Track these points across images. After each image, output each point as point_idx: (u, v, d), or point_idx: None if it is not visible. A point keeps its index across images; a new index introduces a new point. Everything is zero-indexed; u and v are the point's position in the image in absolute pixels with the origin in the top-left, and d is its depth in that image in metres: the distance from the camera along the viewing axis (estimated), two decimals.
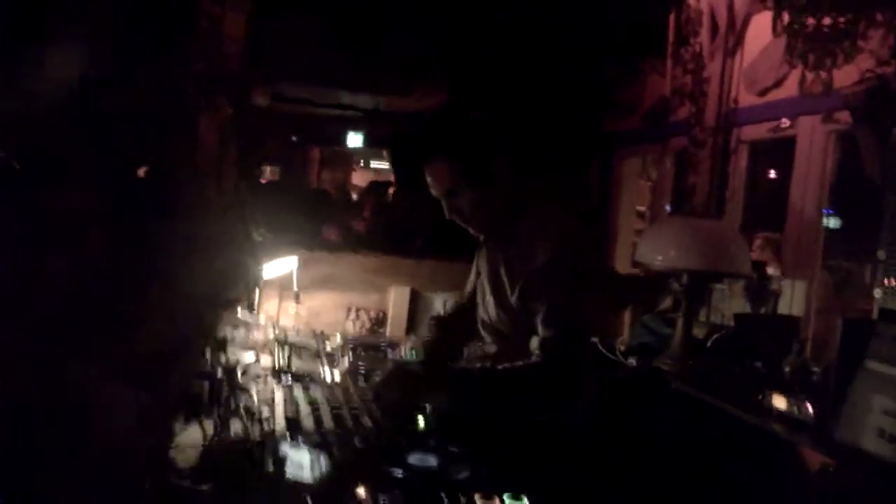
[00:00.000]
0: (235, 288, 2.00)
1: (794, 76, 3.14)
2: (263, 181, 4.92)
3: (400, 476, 1.54)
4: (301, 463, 1.55)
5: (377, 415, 1.96)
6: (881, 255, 2.48)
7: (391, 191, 5.14)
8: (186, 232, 2.07)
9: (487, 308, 2.24)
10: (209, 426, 1.75)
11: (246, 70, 3.26)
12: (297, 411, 1.93)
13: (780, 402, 2.27)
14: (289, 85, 5.26)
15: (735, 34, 3.52)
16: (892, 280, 2.43)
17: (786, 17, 3.10)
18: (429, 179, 2.17)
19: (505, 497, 1.45)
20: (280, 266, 3.08)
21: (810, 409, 2.19)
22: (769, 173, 3.97)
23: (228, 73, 3.06)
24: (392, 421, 1.93)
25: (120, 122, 2.40)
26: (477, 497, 1.45)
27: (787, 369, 2.44)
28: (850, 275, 3.54)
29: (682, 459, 2.43)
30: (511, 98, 4.42)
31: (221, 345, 2.15)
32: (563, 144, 4.60)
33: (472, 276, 2.41)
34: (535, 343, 2.06)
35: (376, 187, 4.99)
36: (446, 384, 2.11)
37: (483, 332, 2.29)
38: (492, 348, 2.23)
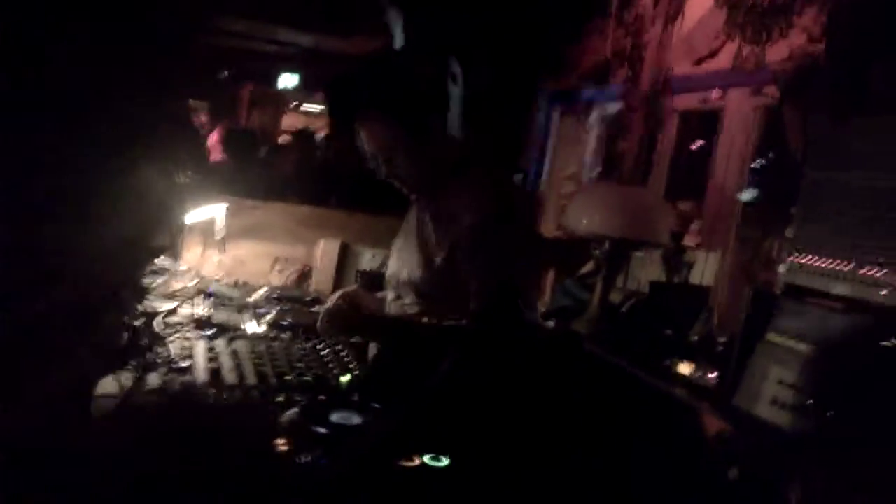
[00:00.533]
0: (161, 234, 1.94)
1: (729, 49, 3.21)
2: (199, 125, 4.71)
3: (323, 434, 1.54)
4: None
5: (301, 369, 1.97)
6: (789, 232, 2.60)
7: (321, 135, 5.03)
8: (103, 173, 1.98)
9: (411, 266, 2.24)
10: (127, 376, 1.73)
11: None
12: (219, 364, 1.92)
13: (685, 368, 2.40)
14: (222, 15, 5.02)
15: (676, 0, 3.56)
16: (798, 257, 2.57)
17: None
18: (363, 136, 2.14)
19: (425, 458, 1.49)
20: (206, 212, 3.00)
21: (713, 377, 2.32)
22: (696, 143, 4.09)
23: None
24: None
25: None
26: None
27: (694, 337, 2.57)
28: (761, 249, 3.72)
29: (588, 419, 2.55)
30: (454, 51, 4.37)
31: (140, 293, 2.09)
32: (502, 101, 4.59)
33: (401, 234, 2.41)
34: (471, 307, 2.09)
35: (304, 136, 4.86)
36: (389, 328, 2.14)
37: (400, 291, 2.28)
38: (413, 308, 2.24)
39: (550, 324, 3.03)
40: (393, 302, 2.35)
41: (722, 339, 2.59)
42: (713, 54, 3.36)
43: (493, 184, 2.24)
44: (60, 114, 1.21)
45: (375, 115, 2.12)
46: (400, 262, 2.31)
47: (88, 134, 1.43)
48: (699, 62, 3.46)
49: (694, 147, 4.04)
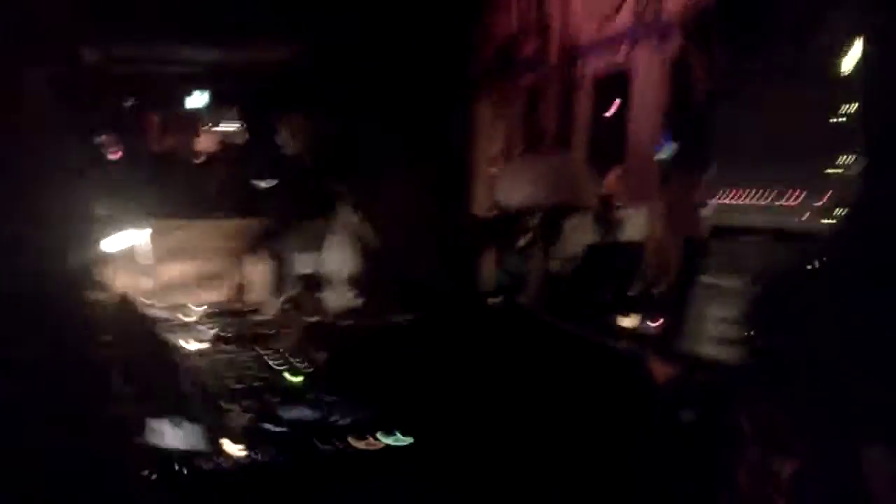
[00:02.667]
0: (79, 263, 1.88)
1: (630, 7, 3.27)
2: (112, 155, 4.53)
3: (274, 431, 1.54)
4: (162, 432, 1.51)
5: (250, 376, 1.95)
6: (710, 174, 2.67)
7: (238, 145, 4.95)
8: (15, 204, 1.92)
9: (350, 262, 2.26)
10: None
11: (74, 22, 2.99)
12: None
13: (629, 321, 2.45)
14: (120, 42, 4.85)
15: None
16: (721, 196, 2.64)
17: None
18: (284, 135, 2.14)
19: (378, 434, 1.50)
20: (129, 238, 2.90)
21: (656, 325, 2.38)
22: (612, 105, 4.16)
23: (55, 23, 2.77)
24: None
25: None
26: (351, 439, 1.49)
27: (634, 292, 2.63)
28: (686, 198, 3.81)
29: (541, 385, 2.58)
30: (360, 48, 4.33)
31: None
32: (416, 90, 4.57)
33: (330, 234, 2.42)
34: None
35: (225, 151, 4.79)
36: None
37: (342, 287, 2.31)
38: (357, 301, 2.26)
39: (497, 299, 3.06)
40: (336, 298, 2.36)
41: (660, 290, 2.65)
42: (617, 11, 3.41)
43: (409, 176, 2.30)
44: None
45: (297, 116, 2.13)
46: (337, 260, 2.33)
47: None
48: (602, 25, 3.51)
49: (610, 109, 4.12)
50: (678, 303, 2.35)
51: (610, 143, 3.75)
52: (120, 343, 1.88)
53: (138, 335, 2.10)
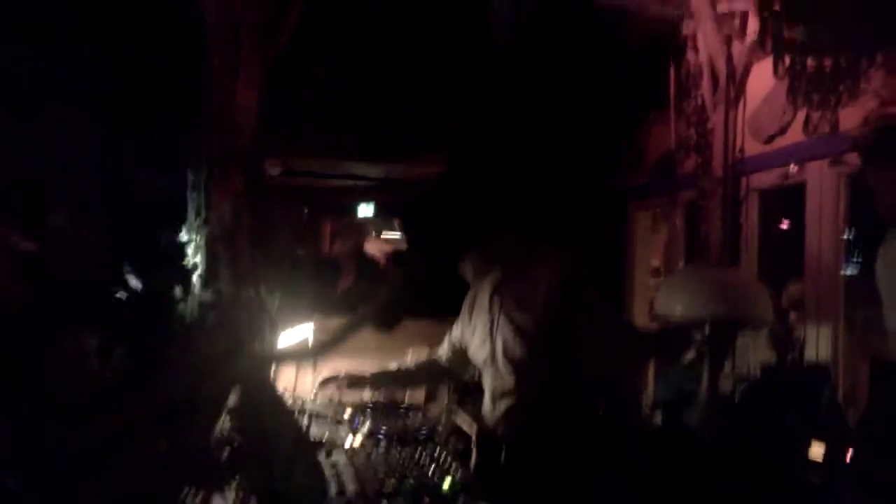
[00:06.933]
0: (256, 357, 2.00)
1: (799, 122, 3.17)
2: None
3: None
4: None
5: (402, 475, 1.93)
6: None
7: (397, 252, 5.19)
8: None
9: (503, 341, 2.31)
10: (230, 496, 1.71)
11: (258, 143, 3.33)
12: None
13: (817, 451, 2.20)
14: (299, 158, 5.34)
15: (736, 84, 3.57)
16: None
17: (787, 60, 3.15)
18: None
19: None
20: (296, 334, 3.05)
21: (848, 456, 2.11)
22: (783, 221, 3.97)
23: (241, 146, 3.11)
24: None
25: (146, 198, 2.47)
26: None
27: (820, 417, 2.37)
28: (874, 319, 3.48)
29: None
30: (519, 162, 4.47)
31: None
32: (574, 204, 4.61)
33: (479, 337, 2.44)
34: None
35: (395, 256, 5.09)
36: None
37: (493, 368, 2.31)
38: (510, 380, 2.29)
39: (658, 418, 2.86)
40: (491, 381, 2.36)
41: (849, 416, 2.38)
42: (783, 130, 3.32)
43: (563, 258, 2.34)
44: None
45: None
46: (484, 342, 2.35)
47: None
48: (770, 140, 3.41)
49: (782, 225, 3.92)
50: (872, 431, 2.08)
51: (782, 258, 3.54)
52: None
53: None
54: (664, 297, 2.97)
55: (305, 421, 2.48)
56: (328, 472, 1.94)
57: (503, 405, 2.34)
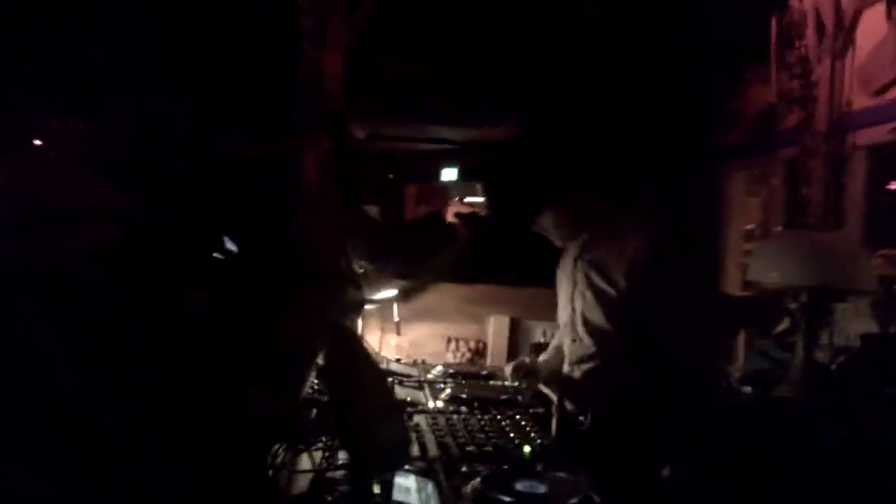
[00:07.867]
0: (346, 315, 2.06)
1: None
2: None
3: (505, 501, 1.51)
4: (408, 488, 1.54)
5: (482, 440, 1.95)
6: None
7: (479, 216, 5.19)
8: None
9: (583, 306, 2.30)
10: (317, 453, 1.77)
11: (344, 108, 3.38)
12: None
13: None
14: (384, 122, 5.39)
15: (844, 33, 3.32)
16: None
17: None
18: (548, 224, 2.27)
19: None
20: (381, 297, 3.11)
21: None
22: (892, 181, 3.70)
23: (329, 111, 3.17)
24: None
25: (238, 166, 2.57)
26: None
27: None
28: None
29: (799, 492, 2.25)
30: (607, 115, 4.35)
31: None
32: (665, 165, 4.45)
33: (563, 301, 2.41)
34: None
35: (470, 219, 5.06)
36: None
37: (576, 335, 2.34)
38: (591, 349, 2.29)
39: (747, 390, 2.76)
40: (570, 345, 2.35)
41: None
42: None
43: (654, 223, 2.27)
44: None
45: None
46: (566, 307, 2.33)
47: None
48: (881, 91, 3.16)
49: (891, 186, 3.66)
50: None
51: (890, 222, 3.31)
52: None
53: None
54: (759, 262, 2.84)
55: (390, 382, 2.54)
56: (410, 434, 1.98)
57: (582, 370, 2.32)
